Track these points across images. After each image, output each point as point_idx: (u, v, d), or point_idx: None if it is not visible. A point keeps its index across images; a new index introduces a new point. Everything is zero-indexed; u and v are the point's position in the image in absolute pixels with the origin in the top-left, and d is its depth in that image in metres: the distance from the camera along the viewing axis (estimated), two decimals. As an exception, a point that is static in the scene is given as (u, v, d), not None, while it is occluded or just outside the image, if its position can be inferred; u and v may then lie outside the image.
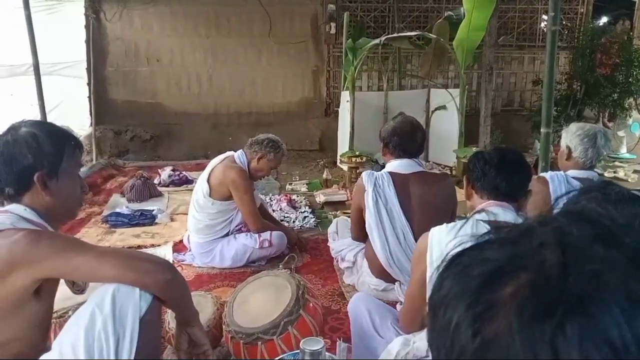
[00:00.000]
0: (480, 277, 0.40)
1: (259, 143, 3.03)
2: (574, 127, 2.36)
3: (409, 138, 2.47)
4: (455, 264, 0.43)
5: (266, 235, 3.05)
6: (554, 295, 0.35)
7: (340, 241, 2.89)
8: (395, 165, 2.48)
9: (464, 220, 1.53)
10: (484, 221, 1.49)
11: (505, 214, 1.58)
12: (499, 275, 0.39)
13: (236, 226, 3.13)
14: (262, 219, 3.13)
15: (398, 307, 2.02)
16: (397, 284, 2.42)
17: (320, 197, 4.42)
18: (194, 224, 3.06)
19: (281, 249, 3.15)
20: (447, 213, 2.43)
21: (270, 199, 4.40)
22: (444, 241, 1.48)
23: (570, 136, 2.33)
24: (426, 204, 2.40)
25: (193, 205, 3.06)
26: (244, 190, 2.95)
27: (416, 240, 2.29)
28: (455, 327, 0.39)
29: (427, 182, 2.45)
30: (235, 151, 3.11)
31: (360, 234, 2.59)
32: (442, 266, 0.44)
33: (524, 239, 0.41)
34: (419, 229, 2.25)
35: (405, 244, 2.39)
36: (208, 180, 3.00)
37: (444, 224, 1.55)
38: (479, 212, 1.60)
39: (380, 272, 2.49)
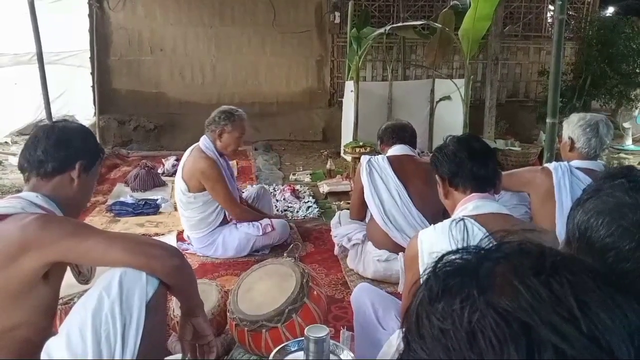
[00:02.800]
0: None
1: (213, 121, 2.96)
2: (575, 117, 2.34)
3: (400, 127, 2.87)
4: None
5: (267, 220, 3.05)
6: None
7: (346, 225, 2.92)
8: (391, 150, 2.80)
9: (450, 222, 1.50)
10: (470, 216, 1.49)
11: (490, 205, 1.56)
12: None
13: None
14: (241, 205, 3.11)
15: (400, 284, 2.05)
16: (400, 254, 2.45)
17: (323, 187, 4.42)
18: (186, 222, 3.04)
19: (284, 237, 3.15)
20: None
21: (273, 189, 4.41)
22: (434, 245, 1.47)
23: (572, 127, 2.30)
24: (419, 172, 2.63)
25: (179, 205, 3.05)
26: (214, 180, 2.91)
27: (413, 201, 2.57)
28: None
29: (420, 161, 2.77)
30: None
31: (360, 209, 2.83)
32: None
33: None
34: (414, 190, 2.60)
35: (401, 203, 2.59)
36: (182, 177, 2.96)
37: (432, 226, 1.53)
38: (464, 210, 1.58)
39: (382, 244, 2.63)
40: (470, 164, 1.59)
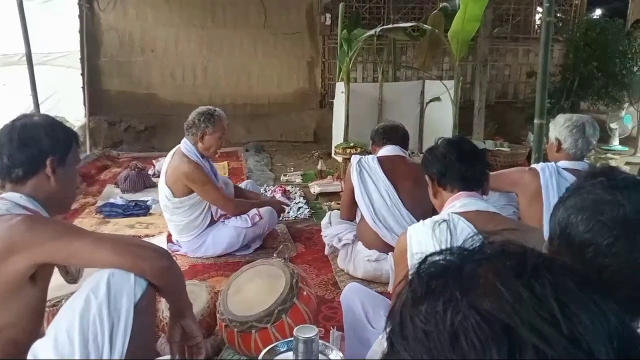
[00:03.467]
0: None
1: (193, 124, 2.92)
2: (561, 119, 2.37)
3: (391, 128, 2.90)
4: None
5: (254, 210, 3.04)
6: None
7: (337, 226, 2.93)
8: (382, 151, 2.82)
9: (434, 222, 1.52)
10: (459, 214, 1.52)
11: (478, 203, 1.60)
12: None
13: (219, 211, 3.11)
14: (235, 199, 3.10)
15: (390, 284, 2.06)
16: (390, 254, 2.47)
17: (314, 188, 4.43)
18: (174, 227, 3.02)
19: (273, 223, 3.14)
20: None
21: (265, 189, 4.41)
22: (422, 242, 1.49)
23: (559, 128, 2.33)
24: (409, 173, 2.66)
25: (165, 211, 3.02)
26: (201, 182, 2.88)
27: (402, 201, 2.59)
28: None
29: (410, 162, 2.82)
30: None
31: (351, 209, 2.85)
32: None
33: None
34: (404, 190, 2.63)
35: (391, 203, 2.61)
36: (166, 182, 2.93)
37: (421, 222, 1.56)
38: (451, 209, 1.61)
39: (372, 244, 2.64)
40: (458, 164, 1.63)
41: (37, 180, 1.41)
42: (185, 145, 2.95)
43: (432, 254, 0.48)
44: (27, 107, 5.36)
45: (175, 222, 3.00)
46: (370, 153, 3.13)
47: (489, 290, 0.41)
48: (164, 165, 3.03)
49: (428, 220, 1.54)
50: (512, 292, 0.40)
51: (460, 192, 1.63)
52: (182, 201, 2.92)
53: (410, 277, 0.47)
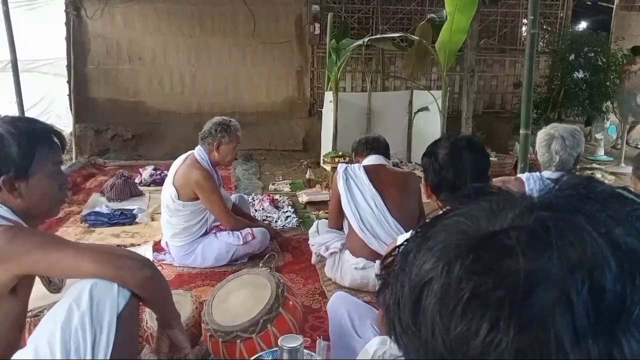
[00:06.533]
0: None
1: (210, 134, 2.98)
2: (542, 130, 2.40)
3: (373, 139, 2.99)
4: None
5: (248, 229, 3.04)
6: None
7: (324, 235, 2.93)
8: (366, 160, 2.86)
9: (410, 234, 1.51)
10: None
11: None
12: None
13: (213, 222, 3.11)
14: (235, 215, 3.11)
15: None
16: (377, 262, 2.47)
17: (302, 197, 4.42)
18: (169, 229, 3.02)
19: (264, 245, 3.14)
20: (415, 193, 2.73)
21: (252, 198, 4.39)
22: None
23: (538, 140, 2.38)
24: (394, 180, 2.73)
25: (165, 211, 3.02)
26: (210, 191, 2.92)
27: (388, 209, 2.62)
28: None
29: (395, 170, 2.94)
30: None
31: (338, 217, 2.88)
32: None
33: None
34: (390, 198, 2.65)
35: (377, 211, 2.62)
36: (173, 183, 2.96)
37: (411, 232, 1.55)
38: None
39: (360, 252, 2.64)
40: (453, 180, 1.61)
41: (3, 196, 1.33)
42: (199, 152, 3.00)
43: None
44: (13, 115, 5.31)
45: (172, 224, 2.99)
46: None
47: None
48: (173, 167, 3.05)
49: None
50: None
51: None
52: (185, 205, 2.94)
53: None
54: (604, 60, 6.48)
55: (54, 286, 1.60)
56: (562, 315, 0.34)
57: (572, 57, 6.56)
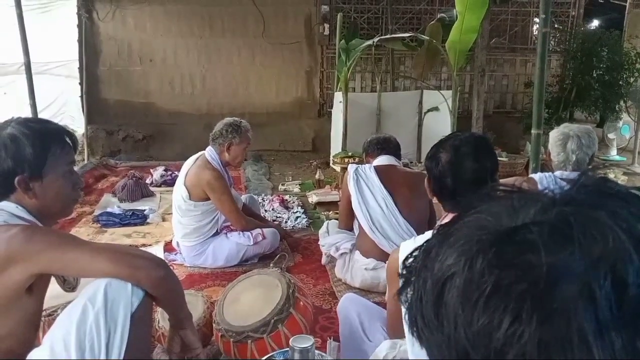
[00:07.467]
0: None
1: (220, 135, 2.99)
2: (556, 130, 2.38)
3: (384, 139, 2.97)
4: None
5: (258, 230, 3.05)
6: None
7: (334, 235, 2.94)
8: (376, 161, 2.85)
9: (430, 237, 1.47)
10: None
11: None
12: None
13: (223, 223, 3.12)
14: (245, 216, 3.12)
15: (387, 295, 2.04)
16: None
17: (312, 198, 4.43)
18: (181, 229, 3.04)
19: (275, 245, 3.15)
20: (426, 194, 2.59)
21: (262, 199, 4.40)
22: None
23: (551, 140, 2.36)
24: (405, 181, 2.71)
25: (176, 211, 3.04)
26: (220, 191, 2.93)
27: (399, 209, 2.60)
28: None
29: (406, 171, 2.92)
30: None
31: (348, 218, 2.88)
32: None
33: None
34: (400, 199, 2.64)
35: (388, 211, 2.62)
36: (185, 184, 2.98)
37: (412, 239, 1.54)
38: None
39: (370, 252, 2.64)
40: (452, 188, 1.53)
41: (18, 196, 1.36)
42: (210, 153, 3.02)
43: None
44: (26, 116, 5.37)
45: (184, 224, 3.01)
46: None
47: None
48: (184, 167, 3.07)
49: (420, 237, 1.51)
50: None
51: (450, 213, 1.57)
52: (197, 205, 2.96)
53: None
54: (617, 59, 6.40)
55: (69, 285, 1.62)
56: (585, 308, 0.34)
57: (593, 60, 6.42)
